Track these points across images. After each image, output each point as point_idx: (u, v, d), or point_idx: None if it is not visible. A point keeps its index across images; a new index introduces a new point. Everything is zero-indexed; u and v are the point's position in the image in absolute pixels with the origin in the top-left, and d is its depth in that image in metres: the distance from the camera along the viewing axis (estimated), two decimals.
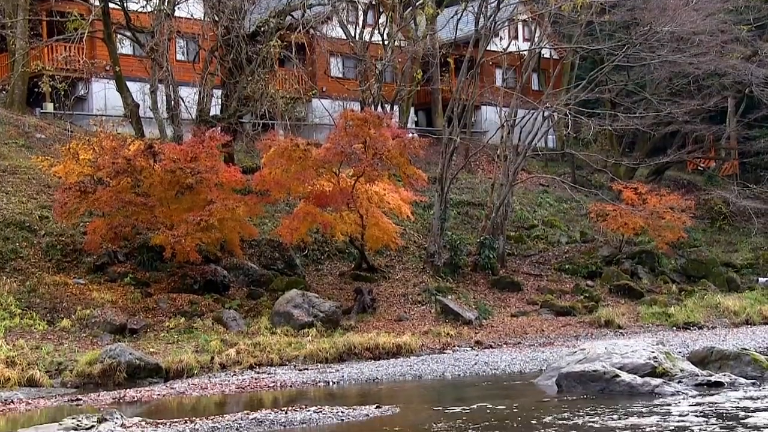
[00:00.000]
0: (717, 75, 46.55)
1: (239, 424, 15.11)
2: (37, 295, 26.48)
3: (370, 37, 41.61)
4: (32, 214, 30.25)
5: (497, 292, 34.27)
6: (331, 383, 21.42)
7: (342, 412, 16.26)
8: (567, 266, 37.45)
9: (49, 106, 39.93)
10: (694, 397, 16.98)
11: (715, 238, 45.44)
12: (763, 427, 13.78)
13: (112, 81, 36.35)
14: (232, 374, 22.86)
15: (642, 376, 17.98)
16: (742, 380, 18.46)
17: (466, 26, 44.02)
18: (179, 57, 40.75)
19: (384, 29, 42.68)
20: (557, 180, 43.74)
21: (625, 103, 47.62)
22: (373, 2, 43.91)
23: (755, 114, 49.86)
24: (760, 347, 24.92)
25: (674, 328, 31.51)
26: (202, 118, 33.29)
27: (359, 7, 43.55)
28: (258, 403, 18.45)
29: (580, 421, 14.76)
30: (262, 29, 34.77)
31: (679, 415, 15.03)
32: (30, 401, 19.34)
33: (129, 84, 35.40)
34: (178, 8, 35.61)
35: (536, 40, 42.95)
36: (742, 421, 14.40)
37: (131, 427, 14.84)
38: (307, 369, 23.55)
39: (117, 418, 15.40)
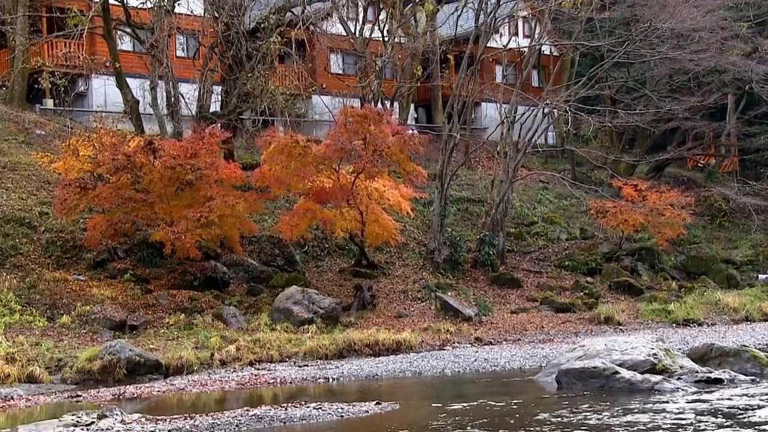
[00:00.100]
0: (717, 72, 46.55)
1: (239, 420, 15.12)
2: (37, 292, 26.49)
3: (370, 34, 41.59)
4: (32, 210, 30.25)
5: (497, 288, 34.28)
6: (330, 380, 21.43)
7: (342, 408, 16.26)
8: (567, 263, 37.46)
9: (49, 103, 39.92)
10: (693, 393, 16.99)
11: (714, 234, 45.44)
12: (763, 424, 13.78)
13: (112, 77, 36.34)
14: (231, 371, 22.87)
15: (642, 373, 17.98)
16: (742, 377, 18.47)
17: (466, 23, 44.01)
18: (179, 53, 40.74)
19: (384, 26, 42.68)
20: (557, 177, 43.75)
21: (625, 99, 47.62)
22: None
23: (755, 111, 49.85)
24: (759, 344, 24.94)
25: (674, 324, 31.53)
26: (202, 115, 33.29)
27: (359, 3, 43.54)
28: (258, 399, 18.47)
29: (579, 418, 14.77)
30: (262, 26, 34.77)
31: (679, 412, 15.03)
32: (30, 398, 19.35)
33: (129, 80, 35.40)
34: (178, 5, 35.58)
35: (536, 36, 42.92)
36: (741, 417, 14.41)
37: (131, 423, 14.85)
38: (306, 365, 23.56)
39: (117, 414, 15.42)
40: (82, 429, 14.39)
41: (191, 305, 27.49)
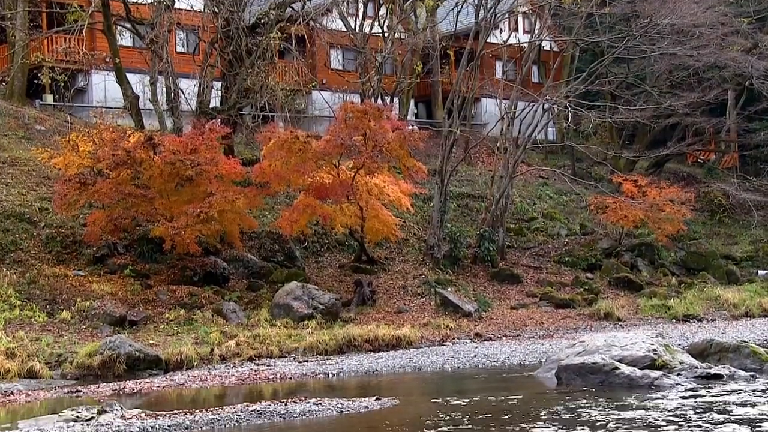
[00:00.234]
0: (717, 67, 46.50)
1: (239, 415, 15.13)
2: (37, 287, 26.50)
3: (370, 29, 41.58)
4: (32, 205, 30.25)
5: (497, 284, 34.30)
6: (330, 375, 21.44)
7: (342, 404, 16.27)
8: (567, 259, 37.47)
9: (49, 98, 39.90)
10: (693, 389, 17.00)
11: (714, 230, 45.43)
12: (761, 421, 13.79)
13: (112, 73, 36.30)
14: (231, 366, 22.89)
15: (641, 369, 17.99)
16: (742, 373, 18.47)
17: (467, 18, 43.96)
18: (179, 49, 40.71)
19: (384, 21, 42.67)
20: (557, 172, 43.75)
21: (625, 95, 47.59)
22: None
23: (755, 106, 49.80)
24: (759, 340, 24.94)
25: (674, 320, 31.54)
26: (202, 110, 33.26)
27: None
28: (258, 394, 18.48)
29: (579, 414, 14.78)
30: (262, 21, 34.72)
31: (678, 408, 15.04)
32: (30, 393, 19.36)
33: (129, 76, 35.35)
34: (178, 0, 35.56)
35: (536, 32, 42.91)
36: (740, 414, 14.42)
37: (131, 418, 14.86)
38: (306, 361, 23.58)
39: (117, 409, 15.43)
40: (82, 424, 14.40)
41: (191, 301, 27.50)
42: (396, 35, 42.41)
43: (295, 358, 24.04)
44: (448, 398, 16.98)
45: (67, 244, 29.20)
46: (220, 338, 24.62)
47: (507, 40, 44.15)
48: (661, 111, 44.47)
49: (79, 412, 15.13)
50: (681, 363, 18.58)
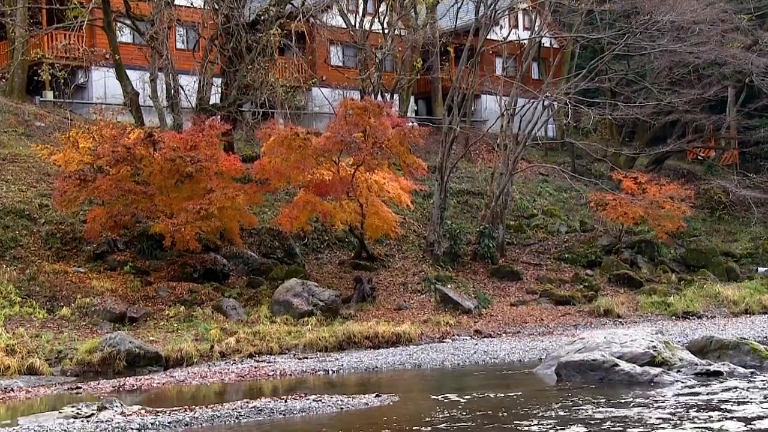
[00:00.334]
0: (717, 64, 46.50)
1: (239, 412, 15.13)
2: (37, 284, 26.50)
3: (370, 26, 41.55)
4: (32, 202, 30.25)
5: (497, 281, 34.30)
6: (330, 372, 21.45)
7: (341, 400, 16.28)
8: (566, 255, 37.48)
9: (49, 95, 39.90)
10: (692, 386, 17.01)
11: (714, 227, 45.46)
12: (761, 418, 13.80)
13: (112, 69, 36.30)
14: (231, 363, 22.89)
15: (641, 366, 18.00)
16: (741, 369, 18.48)
17: (467, 15, 43.95)
18: (179, 45, 40.70)
19: (384, 18, 42.64)
20: (557, 169, 43.75)
21: (625, 92, 47.59)
22: None
23: (755, 103, 49.80)
24: (759, 337, 24.96)
25: (673, 317, 31.56)
26: (202, 107, 33.25)
27: None
28: (257, 391, 18.48)
29: (579, 411, 14.78)
30: (262, 18, 34.71)
31: (678, 405, 15.05)
32: (30, 389, 19.36)
33: (129, 72, 35.34)
34: None
35: (536, 29, 42.89)
36: (739, 410, 14.43)
37: (131, 415, 14.87)
38: (306, 358, 23.58)
39: (117, 406, 15.44)
40: (82, 421, 14.40)
41: (191, 297, 27.50)
42: (396, 32, 42.39)
43: (294, 355, 24.04)
44: (448, 395, 17.00)
45: (67, 240, 29.20)
46: (220, 335, 24.62)
47: (507, 36, 44.09)
48: (661, 108, 44.47)
49: (79, 409, 15.15)
50: (681, 360, 18.58)
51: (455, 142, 37.41)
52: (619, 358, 18.25)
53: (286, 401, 16.12)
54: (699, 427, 13.21)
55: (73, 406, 15.36)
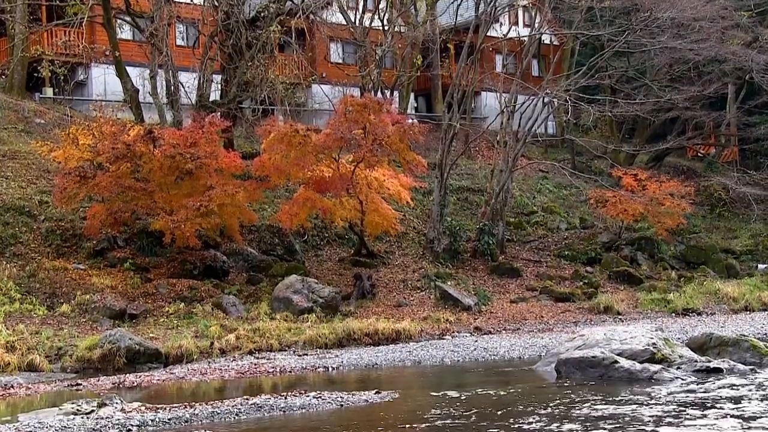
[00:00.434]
0: (717, 61, 46.48)
1: (238, 409, 15.14)
2: (37, 280, 26.51)
3: (370, 23, 41.54)
4: (32, 199, 30.26)
5: (496, 278, 34.30)
6: (330, 369, 21.45)
7: (341, 397, 16.28)
8: (566, 252, 37.48)
9: (49, 91, 39.87)
10: (692, 383, 17.01)
11: (714, 224, 45.45)
12: (760, 415, 13.80)
13: (112, 66, 36.28)
14: (231, 359, 22.90)
15: (641, 362, 18.00)
16: (741, 366, 18.48)
17: (467, 12, 43.94)
18: (179, 42, 40.67)
19: (384, 14, 42.63)
20: (557, 166, 43.74)
21: (625, 89, 47.59)
22: None
23: (755, 100, 49.80)
24: (759, 333, 24.97)
25: (673, 314, 31.55)
26: (202, 104, 33.25)
27: None
28: (257, 388, 18.49)
29: (579, 407, 14.79)
30: (262, 14, 34.71)
31: (677, 401, 15.06)
32: (30, 386, 19.37)
33: (129, 69, 35.32)
34: None
35: (536, 25, 42.86)
36: (738, 407, 14.43)
37: (131, 411, 14.88)
38: (306, 354, 23.58)
39: (117, 402, 15.45)
40: (82, 417, 14.41)
41: (191, 294, 27.50)
42: (396, 29, 42.38)
43: (294, 352, 24.05)
44: (448, 392, 17.00)
45: (66, 237, 29.21)
46: (219, 332, 24.63)
47: (507, 33, 44.11)
48: (661, 105, 44.48)
49: (79, 406, 15.15)
50: (680, 357, 18.59)
51: (455, 139, 37.41)
52: (618, 355, 18.25)
53: (285, 398, 16.13)
54: (698, 425, 13.21)
55: (73, 403, 15.37)
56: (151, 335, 24.16)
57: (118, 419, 14.17)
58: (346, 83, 42.31)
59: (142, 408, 15.22)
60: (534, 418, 14.01)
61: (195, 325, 25.31)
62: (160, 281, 27.96)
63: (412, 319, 27.58)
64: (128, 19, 35.28)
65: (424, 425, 13.88)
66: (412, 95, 48.71)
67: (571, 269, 35.97)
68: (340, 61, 46.42)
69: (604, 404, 14.97)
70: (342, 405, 15.80)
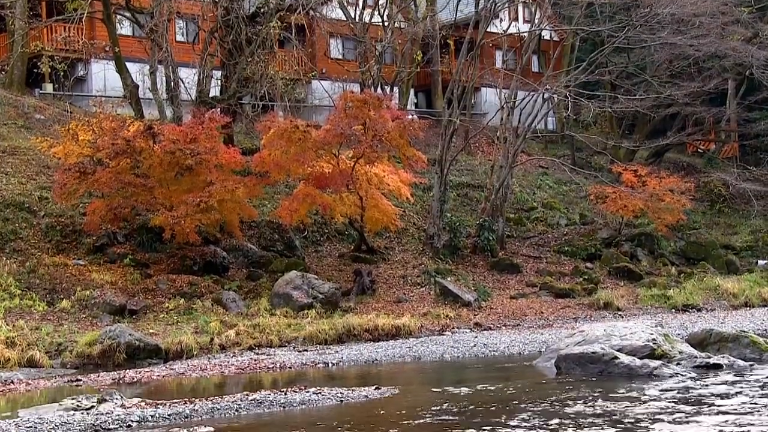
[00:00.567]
0: (717, 57, 46.42)
1: (238, 404, 15.14)
2: (37, 276, 26.51)
3: (370, 19, 41.49)
4: (32, 195, 30.25)
5: (496, 274, 34.30)
6: (330, 364, 21.46)
7: (341, 393, 16.29)
8: (566, 248, 37.48)
9: (49, 87, 39.86)
10: (692, 379, 17.02)
11: (714, 220, 45.45)
12: (759, 410, 13.81)
13: (112, 62, 36.28)
14: (231, 355, 22.91)
15: (641, 358, 18.00)
16: (741, 362, 18.49)
17: (466, 7, 43.90)
18: (179, 38, 40.65)
19: (384, 10, 42.58)
20: (557, 162, 43.73)
21: (625, 85, 47.53)
22: None
23: (755, 96, 49.77)
24: (758, 329, 24.96)
25: (673, 310, 31.57)
26: (202, 100, 33.24)
27: None
28: (257, 384, 18.50)
29: (578, 403, 14.79)
30: (262, 10, 34.67)
31: (677, 397, 15.06)
32: (30, 382, 19.38)
33: (128, 65, 35.33)
34: None
35: (536, 21, 42.82)
36: (737, 403, 14.44)
37: (131, 407, 14.88)
38: (306, 350, 23.60)
39: (117, 398, 15.45)
40: (82, 413, 14.42)
41: (191, 290, 27.51)
42: (396, 24, 42.34)
43: (294, 348, 24.06)
44: (448, 387, 17.01)
45: (66, 233, 29.21)
46: (219, 327, 24.64)
47: (507, 29, 44.07)
48: (661, 101, 44.43)
49: (79, 401, 15.16)
50: (680, 353, 18.60)
51: (455, 135, 37.38)
52: (618, 350, 18.25)
53: (285, 394, 16.13)
54: (697, 420, 13.22)
55: (73, 399, 15.38)
56: (151, 331, 24.17)
57: (118, 415, 14.18)
58: (346, 79, 42.26)
59: (142, 404, 15.22)
60: (534, 414, 14.01)
61: (195, 320, 25.32)
62: (160, 277, 27.96)
63: (412, 315, 27.59)
64: (128, 14, 35.26)
65: (424, 421, 13.89)
66: (412, 91, 48.68)
67: (571, 265, 35.97)
68: (340, 56, 46.37)
69: (604, 400, 14.98)
70: (342, 401, 15.80)
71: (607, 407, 14.35)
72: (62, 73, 37.19)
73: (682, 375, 17.37)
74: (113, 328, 22.88)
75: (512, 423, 13.42)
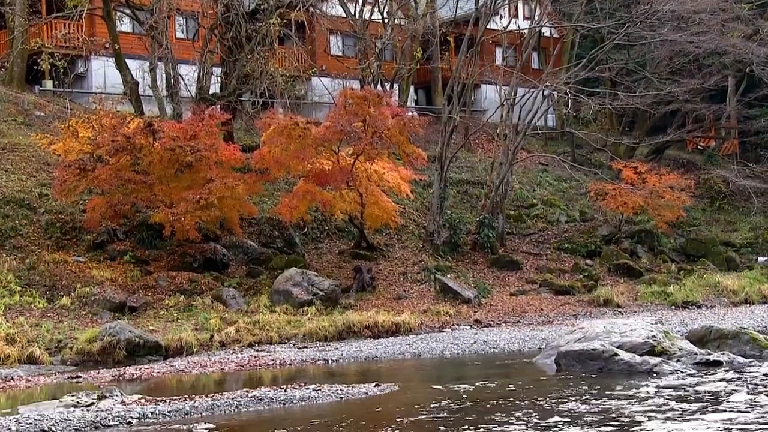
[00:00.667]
0: (717, 54, 46.41)
1: (238, 401, 15.15)
2: (37, 273, 26.51)
3: (370, 15, 41.47)
4: (32, 191, 30.25)
5: (496, 271, 34.30)
6: (330, 361, 21.46)
7: (341, 390, 16.30)
8: (566, 245, 37.47)
9: (49, 84, 39.86)
10: (692, 375, 17.02)
11: (714, 217, 45.45)
12: (758, 406, 13.81)
13: (112, 59, 36.27)
14: (231, 352, 22.91)
15: (641, 355, 18.01)
16: (741, 359, 18.49)
17: (466, 4, 43.92)
18: (179, 35, 40.64)
19: (384, 7, 42.57)
20: (557, 159, 43.74)
21: (625, 81, 47.53)
22: None
23: (755, 93, 49.74)
24: (758, 326, 24.96)
25: (673, 307, 31.57)
26: (202, 96, 33.23)
27: None
28: (257, 380, 18.50)
29: (578, 400, 14.80)
30: (262, 7, 34.66)
31: (676, 395, 15.06)
32: (30, 378, 19.39)
33: (128, 62, 35.32)
34: None
35: (536, 18, 42.80)
36: (737, 400, 14.44)
37: (131, 404, 14.89)
38: (306, 347, 23.60)
39: (116, 395, 15.46)
40: (82, 410, 14.42)
41: (191, 287, 27.51)
42: (396, 21, 42.32)
43: (294, 345, 24.07)
44: (448, 384, 17.01)
45: (66, 230, 29.21)
46: (219, 324, 24.64)
47: (507, 26, 44.03)
48: (662, 97, 44.44)
49: (79, 398, 15.17)
50: (680, 349, 18.59)
51: (455, 132, 37.38)
52: (618, 347, 18.25)
53: (285, 390, 16.14)
54: (696, 417, 13.22)
55: (73, 395, 15.39)
56: (151, 328, 24.17)
57: (118, 411, 14.18)
58: (346, 76, 42.27)
59: (142, 400, 15.23)
60: (533, 411, 14.02)
61: (195, 317, 25.32)
62: (160, 274, 27.97)
63: (412, 312, 27.59)
64: (128, 11, 35.26)
65: (423, 418, 13.89)
66: (412, 88, 48.68)
67: (571, 262, 35.97)
68: (340, 53, 46.38)
69: (604, 397, 14.98)
70: (342, 397, 15.81)
71: (606, 404, 14.35)
72: (62, 70, 37.19)
73: (682, 372, 17.37)
74: (113, 325, 22.88)
75: (512, 420, 13.43)
